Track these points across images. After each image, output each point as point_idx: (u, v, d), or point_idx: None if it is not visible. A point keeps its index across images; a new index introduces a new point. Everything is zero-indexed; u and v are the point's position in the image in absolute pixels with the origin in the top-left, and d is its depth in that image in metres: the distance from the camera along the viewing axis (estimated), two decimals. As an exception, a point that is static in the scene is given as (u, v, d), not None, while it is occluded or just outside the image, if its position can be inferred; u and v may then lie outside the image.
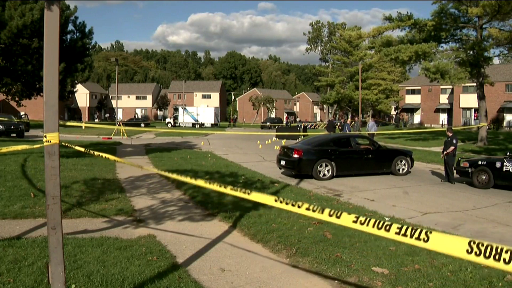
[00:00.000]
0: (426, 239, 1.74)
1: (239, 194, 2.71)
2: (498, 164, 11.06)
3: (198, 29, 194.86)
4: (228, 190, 2.80)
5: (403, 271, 4.67)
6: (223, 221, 6.86)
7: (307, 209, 2.26)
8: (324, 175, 12.22)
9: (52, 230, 3.04)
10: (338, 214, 2.12)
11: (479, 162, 11.63)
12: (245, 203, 7.85)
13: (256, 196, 2.62)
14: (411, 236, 1.79)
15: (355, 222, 2.04)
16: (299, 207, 2.31)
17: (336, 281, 4.49)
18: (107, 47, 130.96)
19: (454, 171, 12.22)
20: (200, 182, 3.11)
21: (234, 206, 7.57)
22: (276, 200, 2.47)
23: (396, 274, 4.60)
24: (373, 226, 1.96)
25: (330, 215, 2.15)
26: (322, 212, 2.18)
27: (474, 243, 1.59)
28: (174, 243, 5.62)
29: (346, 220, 2.08)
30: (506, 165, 10.89)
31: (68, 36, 16.10)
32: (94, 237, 5.57)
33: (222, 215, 7.11)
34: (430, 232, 1.74)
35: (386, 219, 7.20)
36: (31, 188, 8.51)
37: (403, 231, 1.83)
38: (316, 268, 4.82)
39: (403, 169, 13.47)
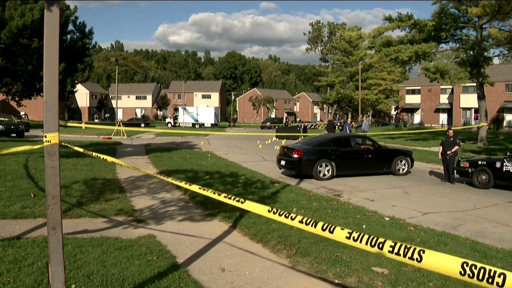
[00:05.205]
0: (419, 259, 1.73)
1: (232, 202, 2.76)
2: (498, 164, 11.07)
3: (199, 29, 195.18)
4: (221, 197, 2.87)
5: (403, 271, 4.67)
6: (223, 221, 6.86)
7: (300, 221, 2.26)
8: (324, 175, 12.22)
9: (52, 230, 3.04)
10: (332, 229, 2.12)
11: (479, 162, 11.63)
12: (245, 203, 7.85)
13: (249, 206, 2.67)
14: (404, 256, 1.79)
15: (348, 238, 2.04)
16: (292, 219, 2.31)
17: (336, 281, 4.49)
18: (107, 47, 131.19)
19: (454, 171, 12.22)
20: (195, 188, 3.14)
21: (234, 206, 7.52)
22: (269, 211, 2.48)
23: (396, 274, 4.60)
24: (366, 243, 1.96)
25: (323, 229, 2.15)
26: (315, 226, 2.18)
27: (467, 265, 1.57)
28: (174, 243, 5.62)
29: (339, 235, 2.09)
30: (506, 165, 10.89)
31: (68, 36, 16.14)
32: (94, 237, 5.58)
33: (222, 215, 7.11)
34: (424, 252, 1.73)
35: (386, 219, 7.20)
36: (31, 188, 8.51)
37: (396, 249, 1.83)
38: (316, 268, 4.82)
39: (403, 169, 13.47)
